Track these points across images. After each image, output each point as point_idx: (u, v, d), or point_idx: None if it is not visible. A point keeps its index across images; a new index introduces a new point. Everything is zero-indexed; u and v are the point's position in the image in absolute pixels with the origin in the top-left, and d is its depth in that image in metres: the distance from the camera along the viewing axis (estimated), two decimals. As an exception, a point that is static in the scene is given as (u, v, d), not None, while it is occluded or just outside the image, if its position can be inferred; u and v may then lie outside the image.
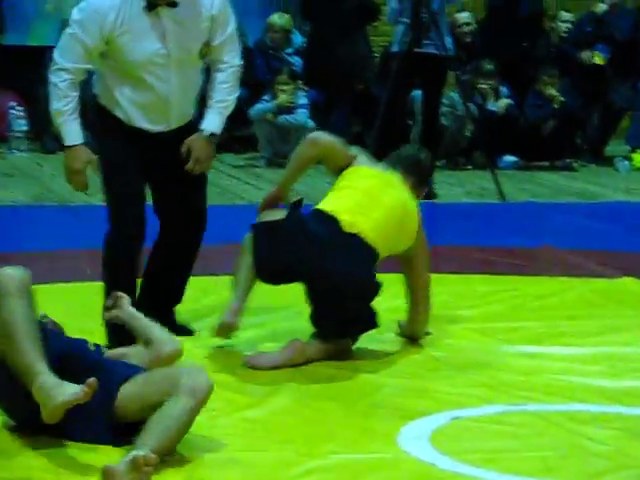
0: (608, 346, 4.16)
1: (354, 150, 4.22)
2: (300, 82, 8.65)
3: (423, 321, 4.28)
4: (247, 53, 8.87)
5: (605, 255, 5.45)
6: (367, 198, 3.94)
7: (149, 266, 3.96)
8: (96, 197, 6.98)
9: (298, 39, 9.18)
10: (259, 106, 8.38)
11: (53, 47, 7.43)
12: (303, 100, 8.46)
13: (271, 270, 3.98)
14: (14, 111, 9.03)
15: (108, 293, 3.54)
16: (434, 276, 4.22)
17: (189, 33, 3.52)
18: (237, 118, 8.44)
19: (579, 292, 4.90)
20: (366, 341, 4.09)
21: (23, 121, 8.86)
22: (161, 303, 3.86)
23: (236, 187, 7.54)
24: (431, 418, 3.35)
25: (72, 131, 3.63)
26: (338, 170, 4.12)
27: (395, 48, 7.79)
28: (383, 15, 9.29)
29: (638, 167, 8.03)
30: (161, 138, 3.77)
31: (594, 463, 2.97)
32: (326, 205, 4.07)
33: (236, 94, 3.84)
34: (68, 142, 3.62)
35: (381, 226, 3.93)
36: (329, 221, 3.94)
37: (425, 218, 4.11)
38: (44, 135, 8.39)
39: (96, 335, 3.69)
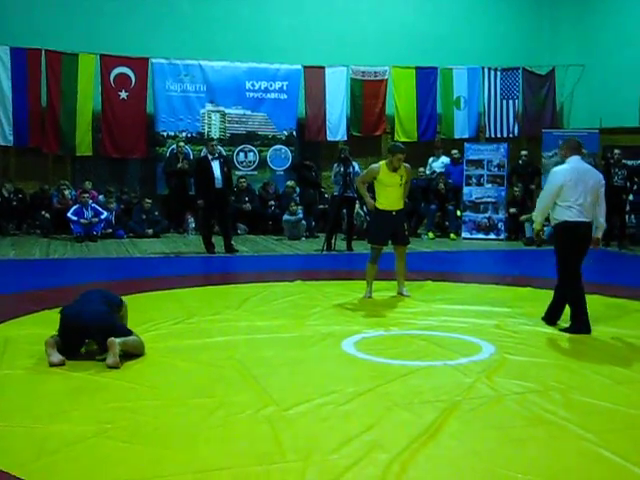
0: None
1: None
2: (300, 206, 11.80)
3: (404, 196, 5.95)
4: (279, 196, 11.96)
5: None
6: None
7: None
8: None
9: (298, 190, 12.36)
10: (285, 216, 11.69)
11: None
12: (300, 213, 11.67)
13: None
14: (190, 219, 12.03)
15: None
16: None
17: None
18: (274, 222, 11.61)
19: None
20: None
21: (193, 224, 11.91)
22: None
23: (275, 246, 10.49)
24: (355, 337, 4.43)
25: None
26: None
27: (335, 192, 10.47)
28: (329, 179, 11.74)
29: None
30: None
31: (432, 350, 4.03)
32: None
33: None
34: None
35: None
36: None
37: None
38: (203, 230, 10.26)
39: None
